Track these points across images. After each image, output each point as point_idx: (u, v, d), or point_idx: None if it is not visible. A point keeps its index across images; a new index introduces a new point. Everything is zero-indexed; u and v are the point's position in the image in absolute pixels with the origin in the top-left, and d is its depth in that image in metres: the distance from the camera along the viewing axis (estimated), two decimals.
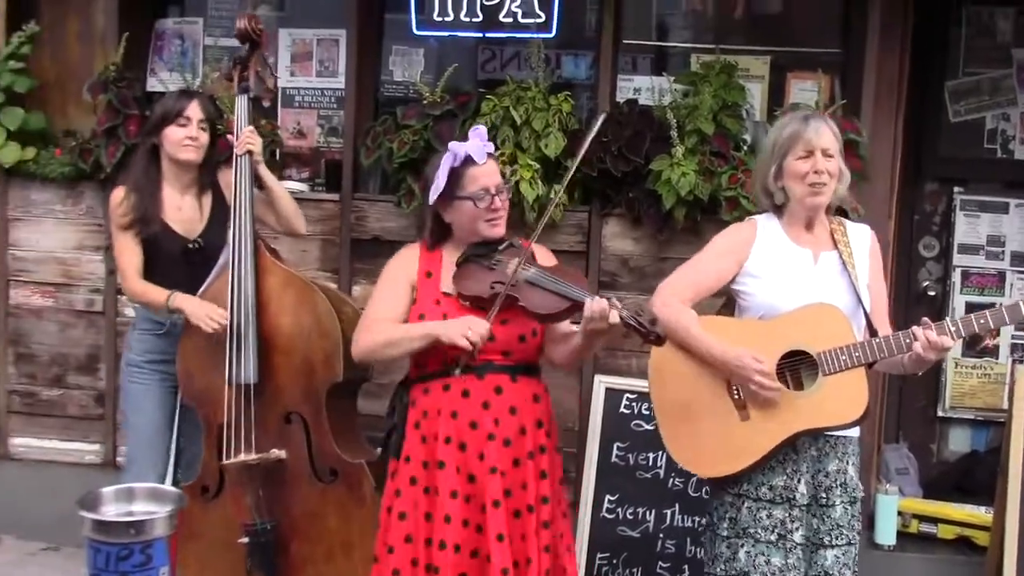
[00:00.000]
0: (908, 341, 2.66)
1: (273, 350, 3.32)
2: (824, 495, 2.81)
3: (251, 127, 3.44)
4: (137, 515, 2.75)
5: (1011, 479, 3.65)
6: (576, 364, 3.26)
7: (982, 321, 2.57)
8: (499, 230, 2.92)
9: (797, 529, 2.78)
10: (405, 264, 2.99)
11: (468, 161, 2.87)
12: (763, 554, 2.79)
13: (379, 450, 3.06)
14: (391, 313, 2.92)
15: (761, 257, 2.90)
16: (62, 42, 4.53)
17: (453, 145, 2.92)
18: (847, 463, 2.84)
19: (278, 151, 4.28)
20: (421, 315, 2.89)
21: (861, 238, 2.93)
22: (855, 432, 2.87)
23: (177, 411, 3.59)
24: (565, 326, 2.90)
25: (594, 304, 2.64)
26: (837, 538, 2.80)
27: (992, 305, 4.25)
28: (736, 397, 2.82)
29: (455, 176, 2.88)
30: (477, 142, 2.89)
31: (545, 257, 3.02)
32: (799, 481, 2.79)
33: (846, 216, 3.38)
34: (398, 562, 2.82)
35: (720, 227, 3.77)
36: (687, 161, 3.87)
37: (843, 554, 2.80)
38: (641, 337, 2.64)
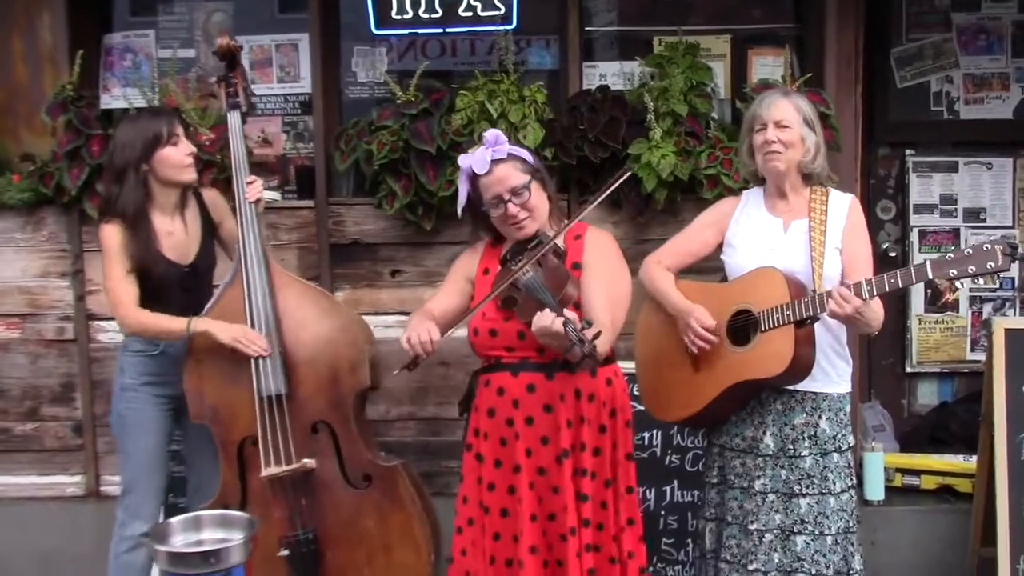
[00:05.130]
0: (825, 300, 2.77)
1: (297, 361, 3.30)
2: (792, 447, 2.98)
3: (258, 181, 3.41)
4: (209, 543, 2.69)
5: (996, 428, 3.80)
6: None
7: (892, 280, 2.68)
8: (526, 231, 2.93)
9: (759, 478, 2.99)
10: (467, 260, 3.10)
11: (475, 173, 2.92)
12: (736, 499, 3.05)
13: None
14: (439, 305, 3.05)
15: (738, 228, 3.14)
16: (7, 63, 4.38)
17: (461, 160, 2.97)
18: (818, 417, 2.99)
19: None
20: (471, 310, 2.96)
21: (840, 205, 3.06)
22: (834, 388, 3.03)
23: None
24: None
25: (536, 321, 2.66)
26: (808, 487, 2.95)
27: None
28: (691, 351, 3.06)
29: (475, 187, 2.95)
30: (481, 150, 2.92)
31: (596, 244, 3.00)
32: (765, 433, 3.01)
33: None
34: (461, 544, 2.99)
35: (700, 206, 3.92)
36: (665, 143, 3.93)
37: (817, 503, 2.95)
38: (579, 350, 2.60)
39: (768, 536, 2.97)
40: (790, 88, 3.56)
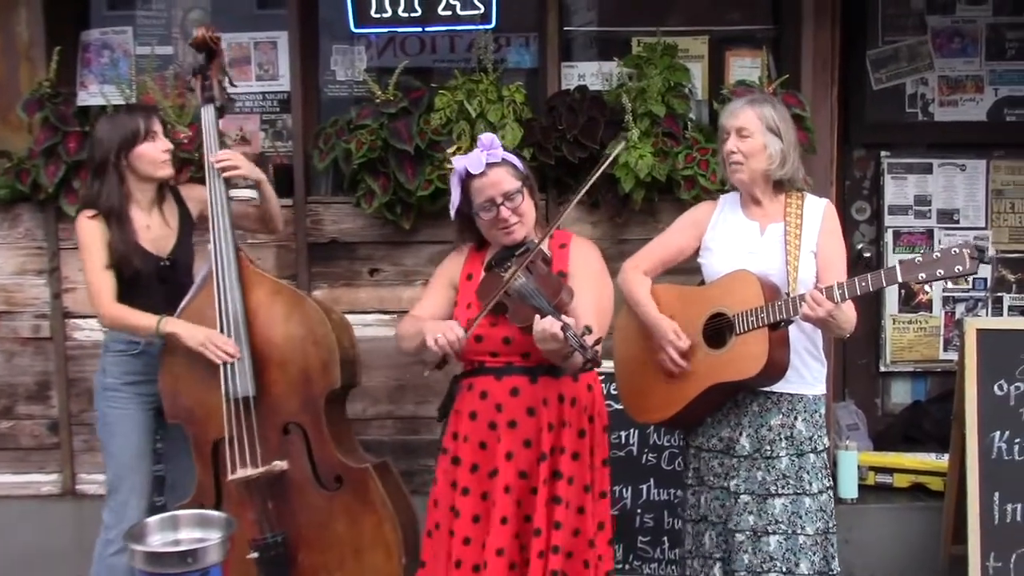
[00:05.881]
0: (798, 303, 2.80)
1: (267, 362, 3.28)
2: (768, 448, 3.00)
3: (229, 151, 3.41)
4: (186, 543, 2.68)
5: (968, 427, 3.85)
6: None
7: (863, 284, 2.72)
8: (514, 237, 2.93)
9: (733, 478, 3.02)
10: (450, 265, 3.10)
11: (470, 174, 2.91)
12: (717, 499, 3.07)
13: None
14: (425, 311, 3.04)
15: (715, 231, 3.16)
16: None
17: (456, 160, 2.96)
18: (794, 418, 3.01)
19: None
20: (456, 318, 2.96)
21: (815, 209, 3.08)
22: (810, 390, 3.05)
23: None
24: None
25: (536, 325, 2.65)
26: (783, 487, 2.98)
27: None
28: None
29: (466, 189, 2.94)
30: (476, 153, 2.92)
31: (580, 252, 3.02)
32: (741, 434, 3.03)
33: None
34: (430, 549, 2.99)
35: (677, 206, 3.96)
36: (643, 144, 3.95)
37: (791, 503, 2.97)
38: (581, 357, 2.62)
39: (740, 536, 3.00)
40: (765, 93, 3.58)
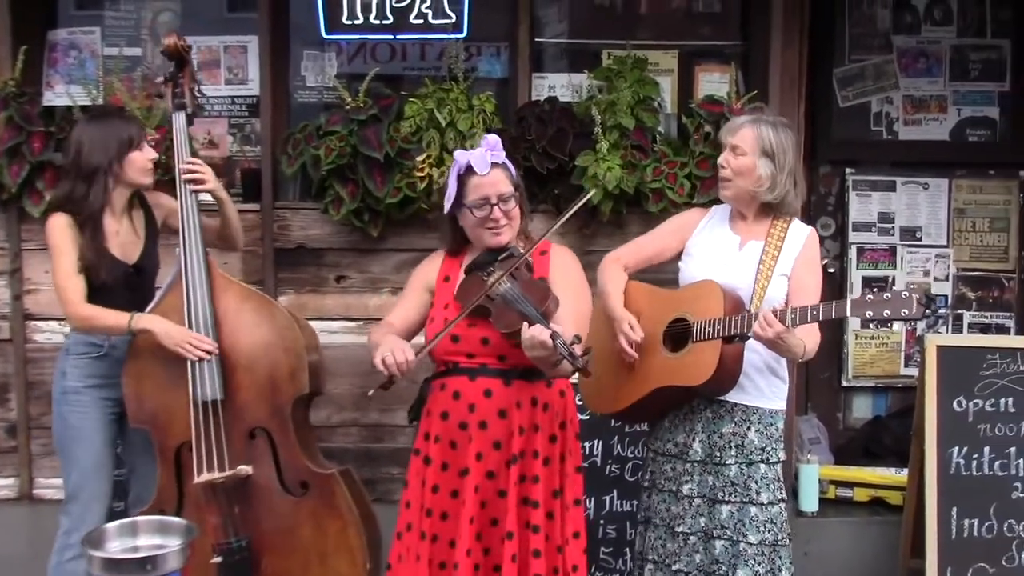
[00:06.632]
0: (752, 320, 2.84)
1: (236, 366, 3.27)
2: (718, 454, 3.05)
3: (198, 161, 3.40)
4: (145, 549, 2.66)
5: (927, 442, 3.90)
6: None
7: (814, 312, 2.77)
8: (501, 239, 2.94)
9: (687, 483, 3.08)
10: (427, 269, 3.10)
11: (470, 170, 2.91)
12: (664, 502, 3.14)
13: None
14: (399, 316, 3.04)
15: (699, 238, 3.21)
16: None
17: (458, 154, 2.97)
18: (746, 428, 3.06)
19: None
20: (431, 318, 2.98)
21: (798, 235, 3.12)
22: (767, 403, 3.09)
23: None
24: None
25: (525, 333, 2.66)
26: (730, 495, 3.02)
27: (885, 279, 4.61)
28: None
29: (461, 184, 2.93)
30: (482, 151, 2.93)
31: (561, 261, 3.03)
32: (694, 439, 3.09)
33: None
34: (398, 549, 2.99)
35: (645, 219, 3.99)
36: (611, 156, 3.97)
37: (738, 511, 3.02)
38: (570, 366, 2.65)
39: (692, 538, 3.05)
40: (774, 115, 3.52)
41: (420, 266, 3.15)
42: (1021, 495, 3.89)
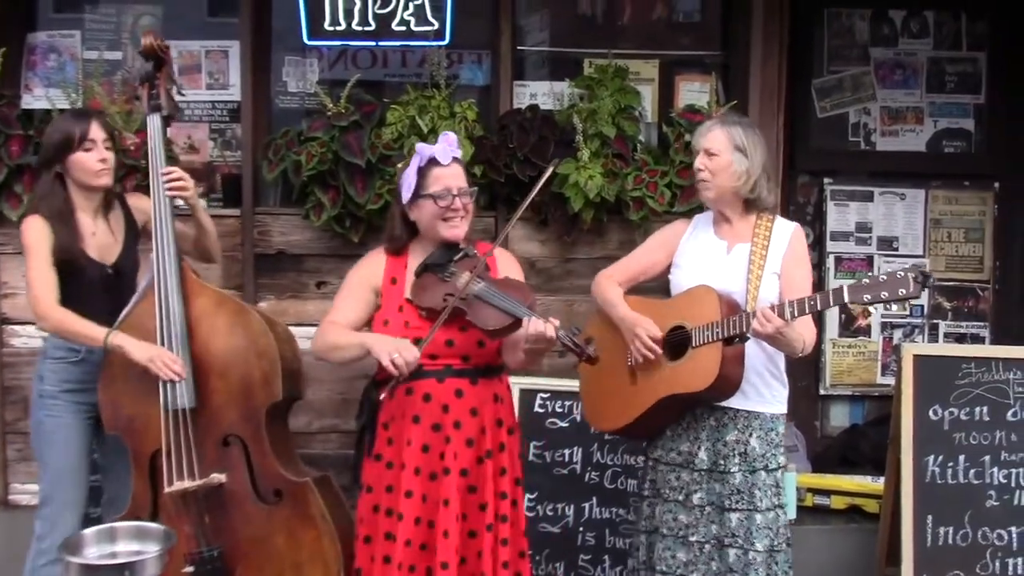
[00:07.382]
0: (751, 319, 2.87)
1: (208, 373, 3.24)
2: (723, 462, 3.07)
3: (181, 171, 3.37)
4: (123, 556, 2.62)
5: (903, 450, 3.92)
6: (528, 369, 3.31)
7: (812, 303, 2.82)
8: (457, 232, 2.99)
9: (696, 491, 3.10)
10: (369, 270, 3.10)
11: (433, 162, 2.98)
12: (671, 512, 3.14)
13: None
14: (347, 317, 3.05)
15: (686, 248, 3.24)
16: None
17: (420, 146, 3.03)
18: (749, 435, 3.08)
19: None
20: (385, 320, 3.00)
21: (783, 232, 3.15)
22: (767, 408, 3.12)
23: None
24: (516, 335, 2.97)
25: (530, 325, 2.74)
26: (737, 502, 3.05)
27: None
28: (630, 363, 3.15)
29: (421, 175, 2.99)
30: (444, 145, 3.01)
31: (508, 263, 3.12)
32: (699, 448, 3.10)
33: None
34: (362, 557, 3.01)
35: (626, 227, 4.01)
36: (592, 164, 3.99)
37: (746, 518, 3.04)
38: (576, 356, 2.76)
39: (707, 547, 3.08)
40: (740, 115, 3.61)
41: (359, 266, 3.15)
42: (995, 503, 3.92)
